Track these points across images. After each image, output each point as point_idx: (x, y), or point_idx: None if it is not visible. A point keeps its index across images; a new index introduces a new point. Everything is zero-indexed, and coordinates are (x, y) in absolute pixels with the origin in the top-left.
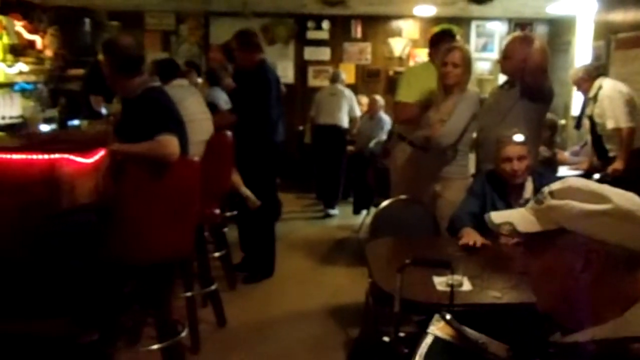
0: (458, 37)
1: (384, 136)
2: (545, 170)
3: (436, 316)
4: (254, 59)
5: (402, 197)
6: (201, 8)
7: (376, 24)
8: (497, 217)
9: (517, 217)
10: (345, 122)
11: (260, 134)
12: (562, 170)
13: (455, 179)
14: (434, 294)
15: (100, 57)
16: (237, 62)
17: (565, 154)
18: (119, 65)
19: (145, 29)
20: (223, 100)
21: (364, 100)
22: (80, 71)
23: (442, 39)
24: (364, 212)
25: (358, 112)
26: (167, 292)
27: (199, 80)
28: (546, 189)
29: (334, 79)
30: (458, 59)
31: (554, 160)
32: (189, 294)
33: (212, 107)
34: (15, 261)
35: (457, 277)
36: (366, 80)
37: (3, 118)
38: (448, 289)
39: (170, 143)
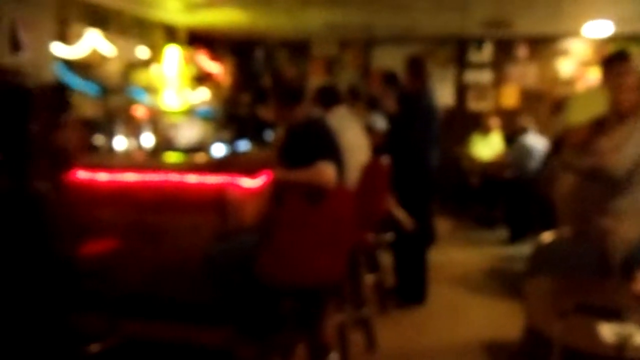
0: (634, 59)
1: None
2: None
3: None
4: (418, 85)
5: (567, 230)
6: (364, 35)
7: (542, 45)
8: None
9: None
10: None
11: (414, 159)
12: None
13: (629, 214)
14: (599, 345)
15: (265, 82)
16: (403, 88)
17: None
18: (283, 96)
19: (311, 57)
20: (379, 123)
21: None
22: (248, 97)
23: (615, 60)
24: (522, 241)
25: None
26: (319, 314)
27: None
28: None
29: None
30: (633, 83)
31: None
32: (340, 316)
33: (369, 132)
34: (187, 273)
35: (628, 328)
36: (529, 102)
37: (185, 141)
38: (617, 340)
39: (327, 171)
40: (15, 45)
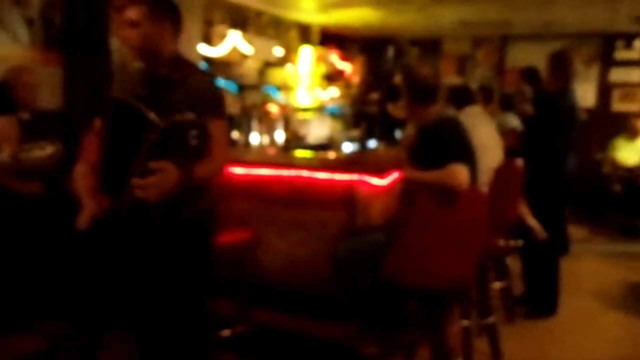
0: None
1: None
2: None
3: None
4: (560, 83)
5: None
6: (499, 32)
7: None
8: None
9: None
10: None
11: (550, 163)
12: None
13: None
14: None
15: (396, 80)
16: (543, 86)
17: None
18: (416, 95)
19: (443, 55)
20: (513, 125)
21: None
22: (377, 95)
23: None
24: None
25: None
26: (443, 317)
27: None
28: None
29: None
30: None
31: None
32: (465, 322)
33: (502, 132)
34: (315, 267)
35: None
36: None
37: (315, 138)
38: None
39: (460, 173)
40: None
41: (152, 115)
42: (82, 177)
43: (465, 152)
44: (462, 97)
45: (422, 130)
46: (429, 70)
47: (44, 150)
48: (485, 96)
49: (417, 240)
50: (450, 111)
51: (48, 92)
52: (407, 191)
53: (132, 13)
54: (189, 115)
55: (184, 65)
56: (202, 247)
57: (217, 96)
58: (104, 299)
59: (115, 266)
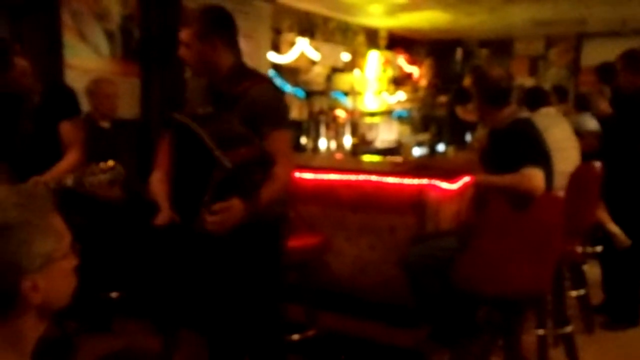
0: None
1: None
2: None
3: None
4: (637, 82)
5: None
6: (574, 30)
7: None
8: None
9: None
10: None
11: (631, 166)
12: None
13: None
14: None
15: (466, 82)
16: (619, 85)
17: None
18: (489, 97)
19: (514, 55)
20: (590, 127)
21: None
22: (446, 98)
23: None
24: None
25: None
26: (517, 326)
27: (566, 106)
28: None
29: None
30: None
31: None
32: (541, 331)
33: (578, 134)
34: (384, 272)
35: None
36: None
37: (382, 142)
38: None
39: (535, 177)
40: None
41: (221, 156)
42: (158, 183)
43: (540, 155)
44: (535, 98)
45: (494, 133)
46: (502, 71)
47: (105, 175)
48: (559, 97)
49: (491, 246)
50: (524, 113)
51: (126, 102)
52: (479, 196)
53: (183, 35)
54: (255, 148)
55: (247, 77)
56: (275, 250)
57: (280, 107)
58: (180, 300)
59: (191, 268)
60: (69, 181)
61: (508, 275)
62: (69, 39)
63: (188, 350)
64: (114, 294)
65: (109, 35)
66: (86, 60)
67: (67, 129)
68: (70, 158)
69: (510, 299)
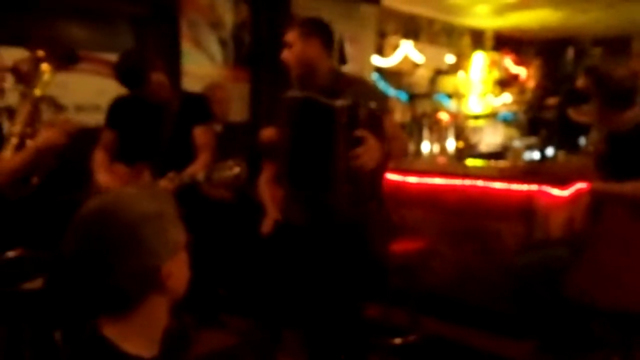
0: None
1: None
2: None
3: None
4: None
5: None
6: None
7: None
8: None
9: None
10: None
11: None
12: None
13: None
14: None
15: (580, 82)
16: None
17: None
18: (610, 99)
19: (632, 54)
20: None
21: None
22: (556, 100)
23: None
24: None
25: None
26: (636, 342)
27: None
28: None
29: None
30: None
31: None
32: None
33: None
34: (490, 280)
35: None
36: None
37: (487, 145)
38: None
39: None
40: (342, 59)
41: (337, 102)
42: (265, 185)
43: None
44: None
45: (615, 137)
46: (625, 72)
47: (232, 171)
48: None
49: (609, 257)
50: None
51: (237, 106)
52: (595, 204)
53: (288, 36)
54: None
55: (345, 78)
56: (358, 250)
57: (383, 95)
58: (284, 298)
59: (293, 267)
60: (201, 176)
61: (628, 289)
62: (186, 47)
63: (291, 347)
64: (221, 291)
65: (222, 43)
66: (201, 67)
67: (200, 133)
68: (202, 159)
69: (630, 313)
